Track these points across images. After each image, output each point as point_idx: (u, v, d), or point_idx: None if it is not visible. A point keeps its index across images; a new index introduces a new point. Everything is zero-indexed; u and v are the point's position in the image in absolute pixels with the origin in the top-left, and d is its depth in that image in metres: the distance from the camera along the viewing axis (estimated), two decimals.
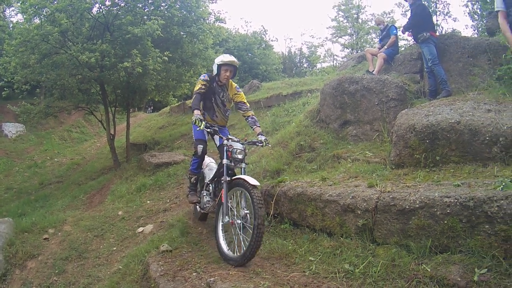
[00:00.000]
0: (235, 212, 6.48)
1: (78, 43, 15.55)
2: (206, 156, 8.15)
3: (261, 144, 7.39)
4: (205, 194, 7.77)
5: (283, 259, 5.94)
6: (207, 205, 7.59)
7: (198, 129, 7.13)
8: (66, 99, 19.22)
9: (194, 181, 8.13)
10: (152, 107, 42.52)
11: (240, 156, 6.88)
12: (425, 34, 10.23)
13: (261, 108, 16.54)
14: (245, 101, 8.19)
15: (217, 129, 7.55)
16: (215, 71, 7.83)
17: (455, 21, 63.93)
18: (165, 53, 16.42)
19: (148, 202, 11.56)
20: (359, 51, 30.70)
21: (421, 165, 6.78)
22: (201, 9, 19.36)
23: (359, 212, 5.75)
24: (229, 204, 6.58)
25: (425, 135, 6.78)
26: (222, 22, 23.19)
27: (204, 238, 7.57)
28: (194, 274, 5.81)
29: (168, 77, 18.81)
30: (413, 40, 11.55)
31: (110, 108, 19.02)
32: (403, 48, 15.30)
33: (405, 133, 7.06)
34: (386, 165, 7.43)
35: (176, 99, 27.10)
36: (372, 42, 42.08)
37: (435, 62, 10.02)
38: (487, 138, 6.27)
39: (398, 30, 13.52)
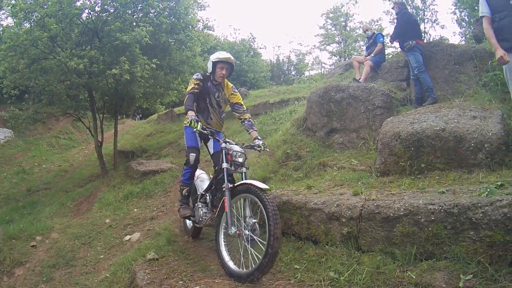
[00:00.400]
0: (240, 223, 5.88)
1: (67, 49, 15.51)
2: None
3: (259, 149, 6.97)
4: (200, 206, 7.07)
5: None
6: (204, 217, 6.89)
7: (194, 130, 6.56)
8: (55, 105, 19.09)
9: (186, 193, 7.52)
10: (141, 115, 42.41)
11: (240, 160, 6.40)
12: (410, 43, 10.35)
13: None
14: (242, 102, 7.76)
15: (213, 131, 7.08)
16: (210, 69, 7.36)
17: (443, 28, 64.19)
18: (153, 60, 16.37)
19: (135, 210, 11.54)
20: (347, 59, 30.86)
21: (406, 172, 6.82)
22: (189, 16, 19.36)
23: (344, 220, 5.74)
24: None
25: (410, 143, 6.84)
26: (210, 30, 23.23)
27: (191, 247, 7.48)
28: (180, 282, 5.79)
29: (156, 84, 18.71)
30: (400, 48, 11.64)
31: (98, 114, 18.95)
32: (390, 56, 15.40)
33: (390, 141, 7.12)
34: (372, 173, 7.46)
35: (164, 106, 27.12)
36: (360, 50, 42.32)
37: (421, 69, 10.12)
38: (472, 144, 6.35)
39: (384, 38, 13.60)
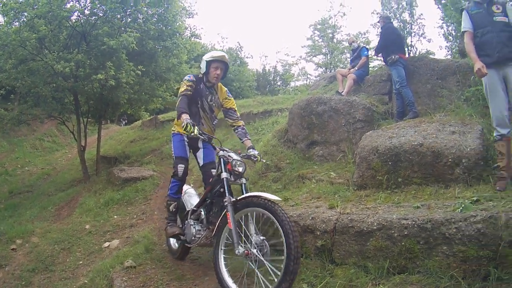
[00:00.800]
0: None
1: (54, 51, 15.56)
2: None
3: (255, 159, 6.32)
4: (192, 223, 6.29)
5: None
6: (197, 236, 6.12)
7: (193, 135, 5.71)
8: (40, 107, 19.02)
9: (174, 209, 6.79)
10: (126, 120, 42.17)
11: (240, 169, 5.71)
12: (393, 57, 10.41)
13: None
14: (236, 108, 7.20)
15: (210, 137, 6.28)
16: (203, 69, 6.76)
17: (429, 42, 64.79)
18: (139, 67, 16.44)
19: (115, 217, 11.49)
20: (333, 71, 30.99)
21: (383, 186, 6.86)
22: (177, 24, 19.42)
23: (318, 233, 5.77)
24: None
25: (387, 157, 6.90)
26: (198, 38, 23.22)
27: (168, 255, 7.44)
28: None
29: (141, 90, 18.67)
30: (383, 61, 11.71)
31: (82, 118, 18.94)
32: (376, 68, 15.49)
33: (368, 155, 7.17)
34: (349, 186, 7.47)
35: (148, 113, 27.05)
36: (346, 62, 42.42)
37: (403, 84, 10.19)
38: (450, 159, 6.42)
39: (369, 51, 13.67)
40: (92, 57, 15.59)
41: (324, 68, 45.90)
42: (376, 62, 26.60)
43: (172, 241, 7.37)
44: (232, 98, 7.28)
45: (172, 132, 7.04)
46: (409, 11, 36.76)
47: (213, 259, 5.48)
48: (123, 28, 16.58)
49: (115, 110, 21.71)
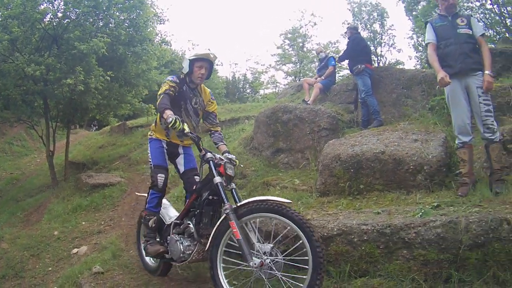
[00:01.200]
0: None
1: (25, 54, 15.40)
2: None
3: (234, 163, 5.56)
4: (178, 238, 5.52)
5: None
6: (187, 252, 5.36)
7: (185, 131, 5.18)
8: (10, 110, 18.67)
9: (154, 225, 6.05)
10: (96, 126, 41.64)
11: (231, 172, 5.27)
12: (359, 66, 10.59)
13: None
14: (217, 113, 6.67)
15: (199, 137, 5.57)
16: (186, 69, 6.07)
17: (399, 52, 65.56)
18: (108, 72, 16.33)
19: (83, 223, 11.44)
20: (301, 79, 31.24)
21: (346, 193, 6.98)
22: (148, 30, 19.35)
23: (280, 239, 5.73)
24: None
25: (349, 165, 7.04)
26: (167, 45, 23.07)
27: (135, 261, 7.41)
28: None
29: (110, 96, 18.49)
30: (350, 71, 11.89)
31: (52, 123, 18.65)
32: (346, 77, 15.66)
33: (330, 162, 7.29)
34: (312, 193, 7.56)
35: (117, 119, 26.82)
36: (315, 71, 42.55)
37: (369, 93, 10.37)
38: (411, 167, 6.59)
39: (336, 61, 13.81)
40: (63, 61, 15.45)
41: (293, 77, 46.02)
42: (345, 72, 26.84)
43: (147, 257, 6.61)
44: (215, 102, 6.75)
45: (149, 137, 6.45)
46: (380, 22, 37.27)
47: (212, 278, 4.83)
48: (94, 33, 16.49)
49: (84, 115, 21.42)
